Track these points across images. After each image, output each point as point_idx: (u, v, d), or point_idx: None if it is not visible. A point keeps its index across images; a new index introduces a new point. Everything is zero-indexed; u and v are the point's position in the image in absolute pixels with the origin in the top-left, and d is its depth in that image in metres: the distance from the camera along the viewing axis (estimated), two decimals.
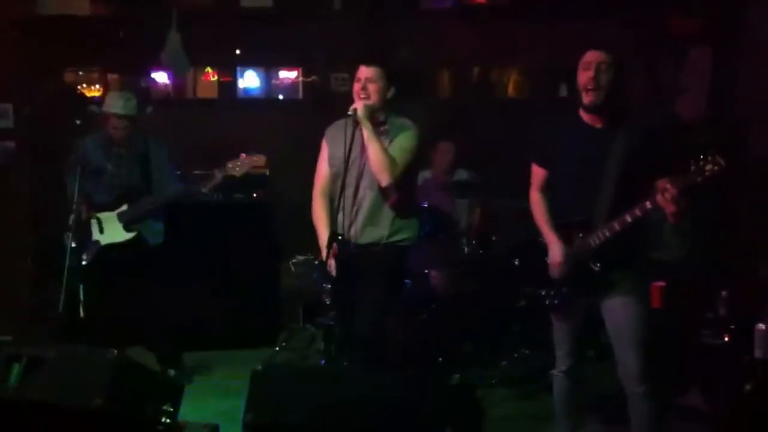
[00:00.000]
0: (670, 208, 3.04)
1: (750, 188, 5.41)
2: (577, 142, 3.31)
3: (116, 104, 4.59)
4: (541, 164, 3.51)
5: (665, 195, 3.02)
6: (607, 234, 3.21)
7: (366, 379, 3.06)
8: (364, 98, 3.71)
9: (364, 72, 3.74)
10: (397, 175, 3.67)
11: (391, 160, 3.66)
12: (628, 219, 3.16)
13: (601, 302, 3.34)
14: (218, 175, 4.42)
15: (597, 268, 3.26)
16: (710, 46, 5.77)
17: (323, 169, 3.96)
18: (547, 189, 3.51)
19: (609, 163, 3.22)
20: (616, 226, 3.19)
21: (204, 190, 4.49)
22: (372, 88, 3.72)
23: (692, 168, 2.99)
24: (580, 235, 3.29)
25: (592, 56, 3.20)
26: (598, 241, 3.24)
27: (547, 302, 3.41)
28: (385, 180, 3.67)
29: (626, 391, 3.35)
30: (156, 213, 4.69)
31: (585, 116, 3.30)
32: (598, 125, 3.28)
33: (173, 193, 4.60)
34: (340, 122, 3.83)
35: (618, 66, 3.20)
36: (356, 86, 3.76)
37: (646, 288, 3.48)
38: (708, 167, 2.97)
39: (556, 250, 3.36)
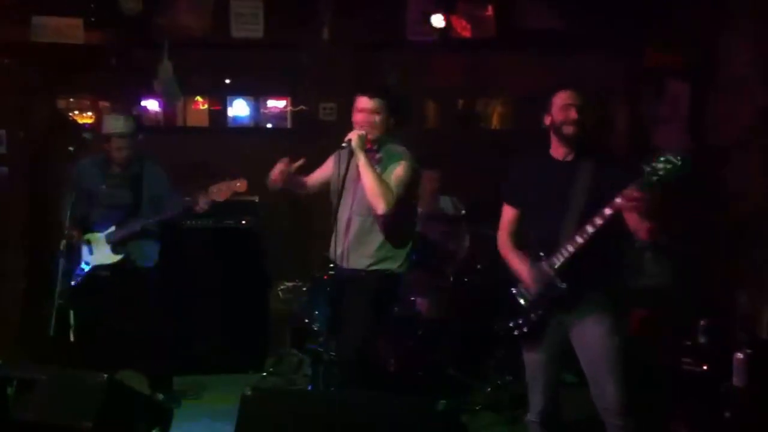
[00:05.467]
0: (629, 209, 3.06)
1: (727, 218, 5.52)
2: (547, 176, 3.37)
3: (116, 124, 4.61)
4: (511, 203, 3.54)
5: (624, 196, 3.04)
6: (570, 249, 3.20)
7: (354, 404, 3.08)
8: (368, 129, 3.78)
9: (368, 103, 3.81)
10: (392, 203, 3.70)
11: (387, 188, 3.71)
12: (590, 230, 3.14)
13: (572, 331, 3.32)
14: (202, 200, 4.44)
15: (563, 287, 3.24)
16: (688, 79, 5.89)
17: (318, 172, 4.13)
18: (516, 231, 3.52)
19: (576, 191, 3.26)
20: (578, 239, 3.18)
21: (193, 208, 4.46)
22: (376, 119, 3.80)
23: (646, 169, 3.01)
24: (543, 254, 3.30)
25: (570, 97, 3.29)
26: (561, 258, 3.24)
27: (516, 332, 3.38)
28: (381, 208, 3.69)
29: (605, 424, 3.32)
30: (147, 234, 4.65)
31: (556, 151, 3.37)
32: (568, 158, 3.34)
33: (161, 215, 4.56)
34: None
35: (592, 102, 3.31)
36: (359, 117, 3.82)
37: (620, 317, 3.41)
38: (661, 166, 2.98)
39: (525, 270, 3.36)
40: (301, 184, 4.16)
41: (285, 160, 3.96)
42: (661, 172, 2.97)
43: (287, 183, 4.02)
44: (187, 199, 4.53)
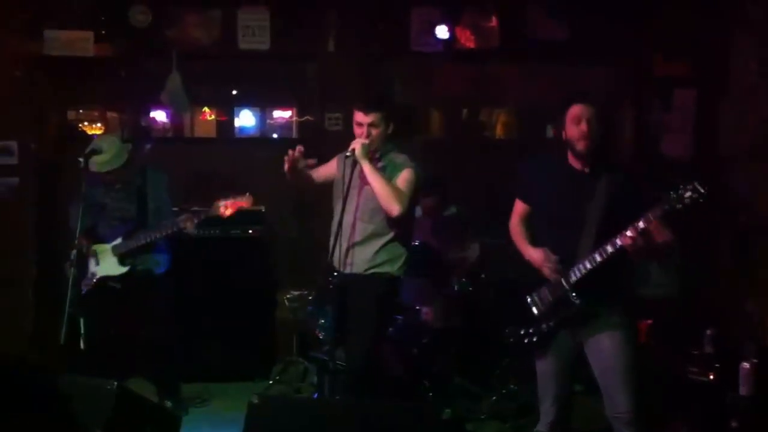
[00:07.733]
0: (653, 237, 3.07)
1: (734, 227, 5.52)
2: (562, 185, 3.37)
3: (101, 164, 4.43)
4: (524, 200, 3.57)
5: (645, 221, 3.03)
6: (588, 266, 3.21)
7: (359, 412, 3.10)
8: (365, 140, 3.83)
9: (365, 118, 3.86)
10: (406, 204, 3.77)
11: (398, 191, 3.78)
12: (609, 249, 3.15)
13: (586, 341, 3.32)
14: (202, 216, 4.42)
15: (577, 302, 3.24)
16: (695, 88, 5.90)
17: (323, 169, 4.14)
18: (527, 219, 3.55)
19: (593, 205, 3.25)
20: (598, 257, 3.18)
21: (187, 226, 4.41)
22: (374, 132, 3.86)
23: (672, 196, 2.99)
24: (560, 268, 3.30)
25: (580, 110, 3.27)
26: (579, 274, 3.24)
27: (526, 341, 3.39)
28: (396, 210, 3.75)
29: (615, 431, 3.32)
30: (155, 246, 4.61)
31: (573, 161, 3.37)
32: (585, 169, 3.34)
33: (156, 233, 4.49)
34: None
35: (604, 116, 3.30)
36: (358, 130, 3.89)
37: (633, 327, 3.42)
38: (687, 195, 2.95)
39: (538, 254, 3.35)
40: (308, 177, 4.14)
41: (299, 147, 3.95)
42: (687, 201, 2.95)
43: (295, 174, 4.01)
44: (182, 217, 4.45)
